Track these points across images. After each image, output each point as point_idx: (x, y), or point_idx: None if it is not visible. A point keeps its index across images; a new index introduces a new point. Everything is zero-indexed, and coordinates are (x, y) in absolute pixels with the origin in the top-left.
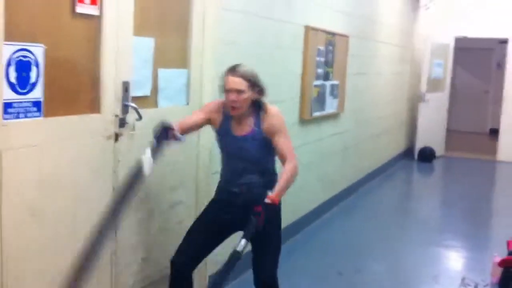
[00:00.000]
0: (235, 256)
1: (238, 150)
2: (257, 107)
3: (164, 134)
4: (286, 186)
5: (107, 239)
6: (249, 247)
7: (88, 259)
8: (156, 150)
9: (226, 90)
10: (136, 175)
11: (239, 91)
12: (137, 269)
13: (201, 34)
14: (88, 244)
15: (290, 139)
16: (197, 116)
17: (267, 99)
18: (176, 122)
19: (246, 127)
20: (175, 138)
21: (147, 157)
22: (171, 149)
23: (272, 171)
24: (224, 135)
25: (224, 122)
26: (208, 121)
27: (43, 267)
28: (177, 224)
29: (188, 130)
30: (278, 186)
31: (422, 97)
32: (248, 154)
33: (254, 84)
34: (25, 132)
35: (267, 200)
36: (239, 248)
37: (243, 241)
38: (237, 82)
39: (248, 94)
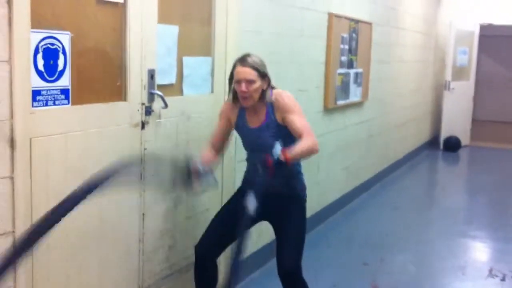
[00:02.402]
0: (246, 215)
1: (256, 141)
2: (268, 97)
3: (191, 174)
4: (302, 152)
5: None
6: (273, 237)
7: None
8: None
9: (236, 81)
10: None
11: (250, 81)
12: (164, 256)
13: (224, 22)
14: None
15: (305, 118)
16: (220, 125)
17: (291, 88)
18: (206, 153)
19: (260, 118)
20: (201, 177)
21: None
22: (195, 137)
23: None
24: (241, 129)
25: (240, 116)
26: (230, 122)
27: (69, 257)
28: (203, 212)
29: (221, 144)
30: (294, 148)
31: (447, 86)
32: (266, 143)
33: (264, 73)
34: (53, 120)
35: (280, 155)
36: (248, 204)
37: (251, 195)
38: (247, 72)
39: (259, 84)
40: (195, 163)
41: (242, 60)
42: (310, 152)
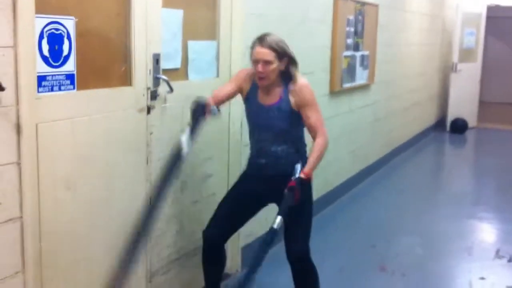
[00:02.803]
0: (272, 232)
1: (263, 119)
2: (287, 77)
3: (201, 111)
4: (318, 161)
5: (154, 219)
6: None
7: (136, 242)
8: (194, 129)
9: (254, 61)
10: (176, 156)
11: (267, 62)
12: (171, 240)
13: (229, 5)
14: (136, 225)
15: (320, 112)
16: (229, 86)
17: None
18: (209, 96)
19: (273, 97)
20: (211, 113)
21: (185, 138)
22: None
23: (301, 141)
24: (250, 104)
25: (251, 91)
26: (240, 90)
27: (77, 241)
28: (210, 196)
29: (222, 101)
30: (310, 161)
31: (454, 68)
32: (274, 124)
33: (283, 54)
34: (59, 105)
35: (301, 175)
36: (275, 226)
37: (279, 218)
38: (265, 53)
39: (276, 65)
40: (203, 98)
41: (261, 40)
42: (324, 154)
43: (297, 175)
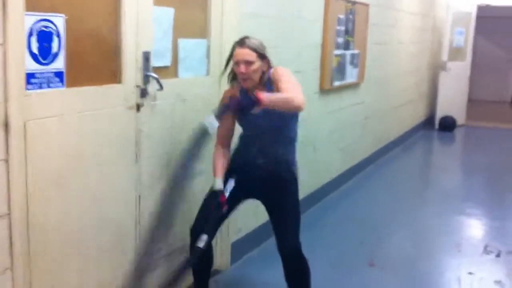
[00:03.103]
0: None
1: (256, 123)
2: (269, 79)
3: (218, 202)
4: (276, 99)
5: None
6: (267, 218)
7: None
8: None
9: (236, 62)
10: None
11: (248, 62)
12: (160, 237)
13: (220, 3)
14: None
15: (297, 85)
16: (226, 121)
17: (290, 69)
18: (217, 168)
19: None
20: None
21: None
22: (190, 120)
23: (295, 139)
24: (243, 115)
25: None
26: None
27: (66, 238)
28: (199, 193)
29: (230, 138)
30: (272, 94)
31: (444, 66)
32: (267, 125)
33: (263, 55)
34: (48, 103)
35: (255, 96)
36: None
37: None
38: (246, 53)
39: (258, 65)
40: (217, 187)
41: (241, 42)
42: (288, 102)
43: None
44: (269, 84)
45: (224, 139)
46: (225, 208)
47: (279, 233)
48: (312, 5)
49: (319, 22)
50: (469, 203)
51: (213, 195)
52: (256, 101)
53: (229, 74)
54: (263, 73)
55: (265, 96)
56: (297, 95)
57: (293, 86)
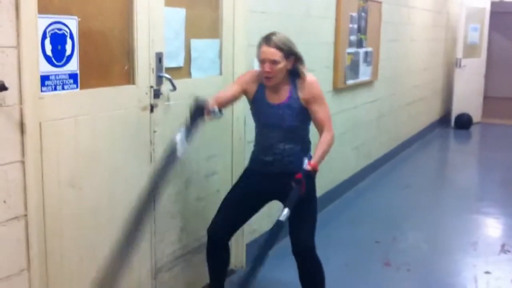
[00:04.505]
0: (279, 226)
1: (274, 118)
2: (294, 75)
3: (199, 112)
4: (324, 155)
5: (145, 218)
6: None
7: (129, 240)
8: (190, 130)
9: (261, 61)
10: (170, 156)
11: (274, 62)
12: (175, 238)
13: (231, 3)
14: (128, 223)
15: (328, 108)
16: (233, 88)
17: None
18: (212, 97)
19: (282, 96)
20: (211, 114)
21: (180, 138)
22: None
23: (307, 140)
24: (259, 104)
25: (259, 91)
26: (244, 92)
27: (81, 239)
28: (214, 193)
29: (225, 103)
30: (316, 155)
31: (458, 63)
32: (284, 122)
33: (289, 52)
34: (62, 104)
35: (307, 167)
36: (282, 218)
37: (286, 210)
38: (272, 53)
39: (283, 64)
40: (202, 100)
41: (267, 39)
42: (330, 149)
43: (304, 167)
44: (294, 85)
45: (221, 97)
46: (205, 117)
47: (293, 232)
48: (323, 3)
49: (331, 20)
50: (486, 202)
51: (196, 105)
52: (313, 173)
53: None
54: (287, 70)
55: (316, 162)
56: (331, 133)
57: (328, 116)
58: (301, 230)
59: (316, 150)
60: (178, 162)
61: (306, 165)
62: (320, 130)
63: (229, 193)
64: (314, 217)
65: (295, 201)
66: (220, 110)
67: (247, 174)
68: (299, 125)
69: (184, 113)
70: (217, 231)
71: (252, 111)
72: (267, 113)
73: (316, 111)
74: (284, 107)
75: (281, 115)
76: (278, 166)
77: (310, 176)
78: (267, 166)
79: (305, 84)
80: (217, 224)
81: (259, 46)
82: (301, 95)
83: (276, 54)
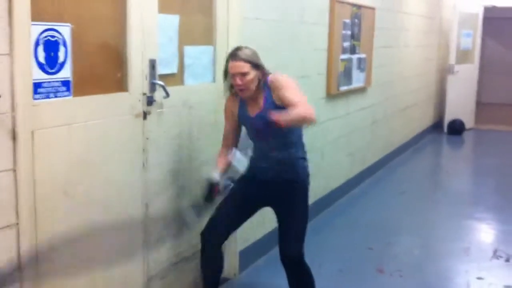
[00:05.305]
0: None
1: (257, 129)
2: (264, 83)
3: (211, 193)
4: (292, 117)
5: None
6: (276, 224)
7: None
8: (201, 210)
9: (231, 76)
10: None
11: (243, 74)
12: (169, 245)
13: (225, 10)
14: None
15: (301, 94)
16: (228, 123)
17: (293, 75)
18: (219, 159)
19: (259, 105)
20: (222, 192)
21: (191, 217)
22: (197, 127)
23: (300, 144)
24: (243, 119)
25: (241, 107)
26: (235, 118)
27: (74, 247)
28: None
29: (234, 140)
30: (287, 113)
31: (451, 69)
32: (267, 131)
33: (257, 64)
34: (55, 112)
35: (271, 117)
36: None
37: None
38: (240, 66)
39: (253, 74)
40: (213, 178)
41: (233, 55)
42: (303, 118)
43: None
44: (268, 91)
45: (227, 139)
46: (216, 197)
47: (281, 240)
48: (316, 9)
49: (324, 26)
50: (478, 207)
51: (207, 185)
52: (273, 123)
53: (226, 83)
54: (259, 80)
55: (281, 118)
56: (308, 107)
57: (301, 98)
58: (289, 236)
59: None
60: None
61: (271, 116)
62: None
63: (223, 198)
64: (304, 225)
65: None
66: (230, 182)
67: (242, 179)
68: (285, 129)
69: (177, 120)
70: (212, 236)
71: (240, 121)
72: (251, 126)
73: (285, 96)
74: (262, 116)
75: (262, 125)
76: (272, 174)
77: (268, 122)
78: (262, 173)
79: (272, 84)
80: (211, 229)
81: (227, 62)
82: (274, 95)
83: (244, 67)
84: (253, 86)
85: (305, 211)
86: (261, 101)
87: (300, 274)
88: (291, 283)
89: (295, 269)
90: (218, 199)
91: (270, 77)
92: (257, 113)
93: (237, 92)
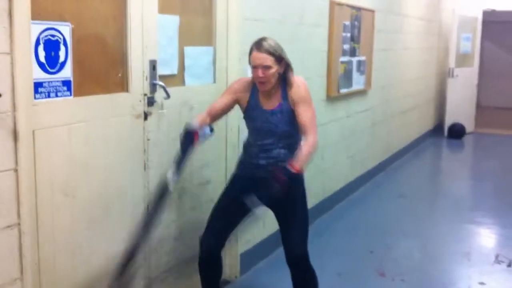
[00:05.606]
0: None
1: (268, 124)
2: (285, 80)
3: (189, 140)
4: (307, 158)
5: (140, 250)
6: (277, 226)
7: (126, 265)
8: (181, 163)
9: (253, 67)
10: (162, 192)
11: (266, 67)
12: (169, 248)
13: (225, 11)
14: (124, 254)
15: (314, 112)
16: (225, 99)
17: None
18: (201, 114)
19: (275, 101)
20: (202, 139)
21: (171, 173)
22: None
23: (298, 142)
24: (253, 110)
25: (253, 98)
26: (236, 101)
27: (75, 247)
28: (208, 202)
29: (218, 116)
30: (300, 156)
31: (451, 73)
32: (277, 128)
33: (280, 57)
34: (56, 112)
35: (292, 170)
36: (257, 212)
37: (261, 207)
38: (263, 58)
39: (275, 69)
40: (191, 125)
41: (258, 45)
42: (313, 154)
43: (287, 168)
44: (285, 88)
45: (214, 110)
46: (196, 145)
47: (285, 241)
48: (316, 11)
49: (324, 28)
50: (479, 212)
51: (185, 133)
52: (294, 173)
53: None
54: (279, 74)
55: (299, 166)
56: (314, 137)
57: (312, 119)
58: (293, 238)
59: (300, 151)
60: (170, 196)
61: (288, 165)
62: (304, 132)
63: (219, 200)
64: (306, 225)
65: (272, 199)
66: (211, 129)
67: (236, 180)
68: (293, 130)
69: (177, 121)
70: (210, 240)
71: (246, 118)
72: (261, 119)
73: (300, 113)
74: (277, 113)
75: (275, 120)
76: (270, 171)
77: (291, 177)
78: (259, 170)
79: (294, 85)
80: (209, 233)
81: (251, 52)
82: (291, 97)
83: (268, 60)
84: (273, 80)
85: (305, 212)
86: (277, 97)
87: (306, 275)
88: (296, 284)
89: (302, 270)
90: (195, 148)
91: (294, 79)
92: (271, 109)
93: (256, 84)
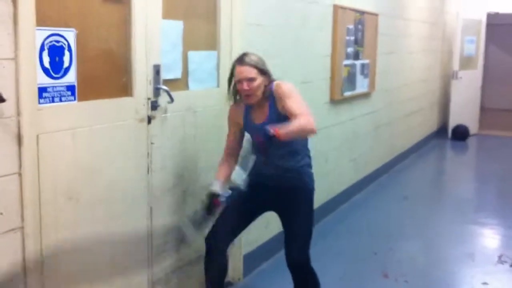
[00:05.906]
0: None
1: (263, 137)
2: (271, 93)
3: (213, 205)
4: (293, 129)
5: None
6: (281, 228)
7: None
8: (202, 222)
9: (238, 81)
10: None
11: (251, 79)
12: (173, 249)
13: (229, 15)
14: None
15: (303, 103)
16: (231, 133)
17: (296, 80)
18: (220, 166)
19: (264, 113)
20: (221, 205)
21: (190, 232)
22: (201, 131)
23: (305, 153)
24: (248, 127)
25: (246, 115)
26: (239, 126)
27: (79, 251)
28: None
29: (236, 149)
30: (286, 125)
31: (455, 75)
32: (269, 142)
33: (264, 70)
34: (60, 116)
35: (271, 132)
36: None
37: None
38: (247, 71)
39: (260, 80)
40: (214, 192)
41: (240, 60)
42: (303, 130)
43: (268, 130)
44: (272, 99)
45: (230, 148)
46: (217, 210)
47: (287, 245)
48: (319, 15)
49: (328, 32)
50: (483, 213)
51: (207, 197)
52: (273, 137)
53: (230, 90)
54: (265, 87)
55: (281, 131)
56: (309, 118)
57: (303, 108)
58: (295, 241)
59: (290, 123)
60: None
61: (270, 129)
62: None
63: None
64: (310, 229)
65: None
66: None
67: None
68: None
69: (181, 125)
70: (216, 241)
71: (244, 129)
72: (255, 134)
73: (288, 107)
74: (266, 125)
75: (263, 136)
76: (278, 181)
77: (268, 136)
78: (267, 179)
79: (276, 92)
80: (215, 234)
81: (233, 68)
82: (278, 104)
83: (251, 72)
84: (259, 93)
85: (311, 216)
86: (266, 110)
87: (307, 279)
88: (297, 287)
89: (302, 274)
90: (218, 211)
91: (274, 84)
92: (262, 122)
93: (243, 98)
